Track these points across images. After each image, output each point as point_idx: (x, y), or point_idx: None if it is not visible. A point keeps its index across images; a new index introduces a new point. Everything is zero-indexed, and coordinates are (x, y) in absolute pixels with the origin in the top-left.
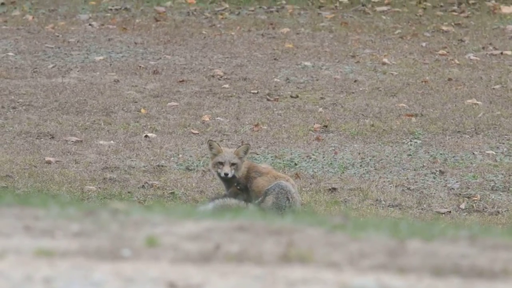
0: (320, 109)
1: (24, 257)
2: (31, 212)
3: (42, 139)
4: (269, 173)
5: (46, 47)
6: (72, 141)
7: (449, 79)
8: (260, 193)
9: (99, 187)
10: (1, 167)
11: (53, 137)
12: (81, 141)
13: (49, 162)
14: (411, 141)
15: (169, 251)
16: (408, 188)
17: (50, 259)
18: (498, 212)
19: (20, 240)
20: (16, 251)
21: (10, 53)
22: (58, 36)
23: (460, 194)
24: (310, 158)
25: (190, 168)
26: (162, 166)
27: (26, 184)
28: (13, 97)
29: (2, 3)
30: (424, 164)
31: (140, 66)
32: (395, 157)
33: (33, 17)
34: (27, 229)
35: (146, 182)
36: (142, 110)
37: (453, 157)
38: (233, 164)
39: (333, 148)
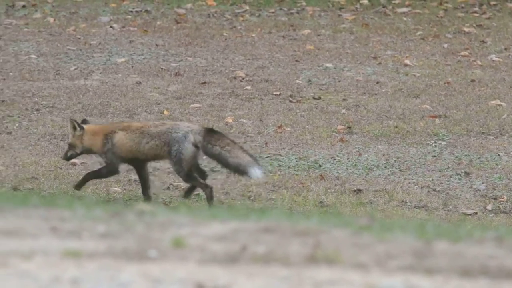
0: (343, 111)
1: (51, 258)
2: (57, 214)
3: (65, 141)
4: (132, 127)
5: (68, 49)
6: None
7: (472, 80)
8: (130, 152)
9: (124, 189)
10: (26, 168)
11: None
12: None
13: (74, 164)
14: (435, 142)
15: (196, 252)
16: (434, 190)
17: (77, 260)
18: None
19: (47, 241)
20: (43, 252)
21: (33, 56)
22: (79, 38)
23: (486, 195)
24: (334, 159)
25: (214, 169)
26: None
27: (52, 185)
28: (36, 99)
29: (24, 6)
30: (449, 166)
31: (161, 68)
32: (419, 158)
33: (54, 20)
34: (54, 230)
35: (171, 184)
36: (165, 112)
37: (478, 158)
38: (69, 145)
39: (357, 149)
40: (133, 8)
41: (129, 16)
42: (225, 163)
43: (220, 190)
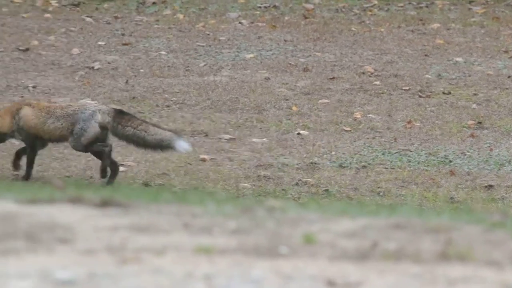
0: (474, 106)
1: (183, 254)
2: (188, 210)
3: (196, 137)
4: (40, 105)
5: (197, 45)
6: (225, 139)
7: None
8: (35, 129)
9: (254, 185)
10: (157, 164)
11: (206, 135)
12: (234, 138)
13: (203, 160)
14: None
15: (326, 249)
16: None
17: (209, 256)
18: None
19: (179, 237)
20: (176, 248)
21: (163, 52)
22: (208, 34)
23: None
24: (465, 155)
25: (343, 165)
26: (315, 163)
27: (182, 181)
28: (166, 95)
29: (154, 3)
30: None
31: (290, 64)
32: None
33: (184, 16)
34: (186, 226)
35: (300, 180)
36: (294, 108)
37: None
38: None
39: (488, 144)
40: (261, 4)
41: (258, 12)
42: (142, 143)
43: (349, 186)
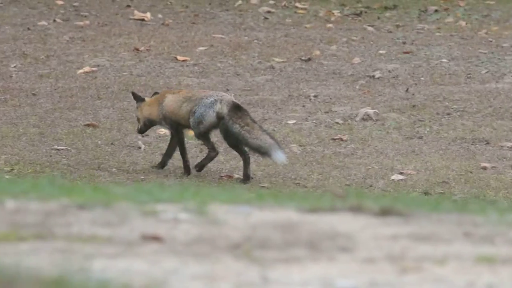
0: None
1: (465, 263)
2: (469, 219)
3: (477, 145)
4: (180, 92)
5: (479, 52)
6: (507, 147)
7: None
8: (173, 113)
9: None
10: (437, 172)
11: (488, 143)
12: None
13: (484, 168)
14: None
15: None
16: None
17: (491, 265)
18: None
19: (460, 246)
20: (456, 257)
21: (444, 60)
22: (491, 41)
23: None
24: None
25: None
26: None
27: (462, 190)
28: (447, 103)
29: (436, 10)
30: None
31: None
32: None
33: (466, 23)
34: (467, 235)
35: None
36: None
37: None
38: (137, 118)
39: None
40: None
41: None
42: (244, 142)
43: None
